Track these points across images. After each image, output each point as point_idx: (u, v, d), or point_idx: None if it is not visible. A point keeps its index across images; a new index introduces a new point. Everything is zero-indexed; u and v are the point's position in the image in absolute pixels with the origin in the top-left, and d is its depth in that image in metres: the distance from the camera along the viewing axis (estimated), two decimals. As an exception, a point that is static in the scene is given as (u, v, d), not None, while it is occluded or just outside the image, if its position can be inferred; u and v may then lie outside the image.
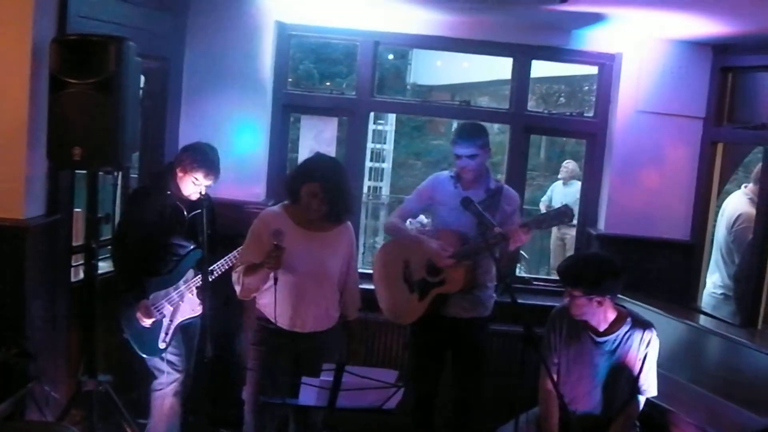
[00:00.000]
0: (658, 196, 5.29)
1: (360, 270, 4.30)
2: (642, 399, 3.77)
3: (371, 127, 10.05)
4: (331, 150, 5.43)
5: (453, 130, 4.43)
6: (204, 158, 4.29)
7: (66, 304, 4.15)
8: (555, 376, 3.74)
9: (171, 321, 4.34)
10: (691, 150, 5.28)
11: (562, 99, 14.12)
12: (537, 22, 5.09)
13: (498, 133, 9.37)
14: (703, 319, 4.81)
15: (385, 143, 12.68)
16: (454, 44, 5.47)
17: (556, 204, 9.66)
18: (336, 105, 5.51)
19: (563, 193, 9.60)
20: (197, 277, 4.30)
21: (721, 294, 5.30)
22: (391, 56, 13.70)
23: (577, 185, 7.27)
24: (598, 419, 3.78)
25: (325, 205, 3.78)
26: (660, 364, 3.82)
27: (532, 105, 5.63)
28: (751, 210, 5.08)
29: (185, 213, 4.36)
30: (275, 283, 3.71)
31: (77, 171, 4.09)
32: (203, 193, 4.28)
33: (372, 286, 4.53)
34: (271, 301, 3.78)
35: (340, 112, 5.53)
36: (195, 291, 4.34)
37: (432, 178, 4.57)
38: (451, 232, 4.31)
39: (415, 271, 4.40)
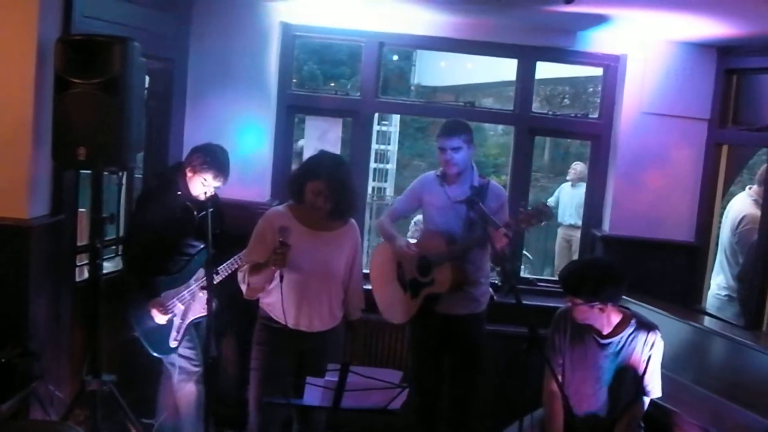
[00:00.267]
0: (663, 198, 5.29)
1: (364, 270, 4.32)
2: (647, 400, 3.77)
3: (375, 128, 10.04)
4: (335, 151, 5.42)
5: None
6: (214, 159, 4.30)
7: (70, 303, 4.15)
8: (559, 378, 3.73)
9: (183, 320, 4.35)
10: (695, 152, 5.27)
11: (566, 100, 14.08)
12: (541, 24, 5.08)
13: (502, 134, 9.37)
14: (707, 321, 4.81)
15: (389, 144, 12.64)
16: (458, 45, 5.47)
17: (564, 206, 9.67)
18: (340, 106, 5.51)
19: (571, 194, 9.57)
20: None
21: (726, 295, 5.29)
22: (395, 57, 13.68)
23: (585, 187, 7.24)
24: (602, 420, 3.77)
25: (329, 202, 3.78)
26: (664, 366, 3.81)
27: (536, 106, 5.62)
28: (756, 211, 5.07)
29: (195, 213, 4.37)
30: (281, 281, 3.71)
31: (82, 171, 4.10)
32: (211, 193, 4.29)
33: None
34: (276, 300, 3.78)
35: (344, 112, 5.53)
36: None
37: (420, 178, 4.67)
38: (438, 234, 4.38)
39: (408, 271, 4.47)
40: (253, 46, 5.13)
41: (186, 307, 4.37)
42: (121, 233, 4.95)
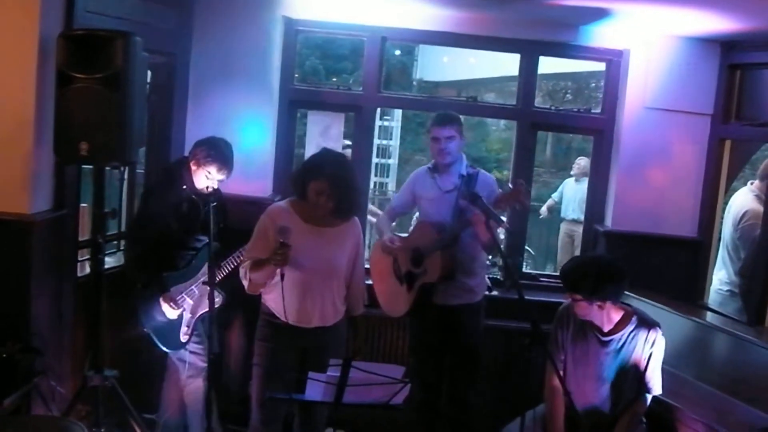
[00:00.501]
0: (666, 193, 5.28)
1: (366, 266, 4.32)
2: (649, 397, 3.77)
3: (377, 123, 10.03)
4: (338, 146, 5.43)
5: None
6: (218, 152, 4.31)
7: (72, 299, 4.16)
8: (561, 373, 3.73)
9: (192, 314, 4.35)
10: (698, 147, 5.26)
11: (569, 95, 14.08)
12: (544, 18, 5.07)
13: (504, 129, 9.35)
14: (709, 316, 4.80)
15: (391, 139, 12.65)
16: (461, 40, 5.44)
17: (567, 201, 9.66)
18: (343, 101, 5.50)
19: (575, 189, 9.56)
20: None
21: (728, 291, 5.28)
22: (397, 52, 13.68)
23: (589, 182, 7.23)
24: (604, 416, 3.78)
25: (332, 202, 3.77)
26: (666, 361, 3.81)
27: (539, 101, 5.60)
28: (758, 207, 5.06)
29: (201, 207, 4.37)
30: (282, 279, 3.71)
31: (84, 166, 4.10)
32: (215, 187, 4.29)
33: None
34: (278, 296, 3.78)
35: (346, 107, 5.52)
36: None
37: (413, 173, 4.80)
38: (429, 224, 4.49)
39: (402, 264, 4.52)
40: (255, 40, 5.12)
41: (194, 301, 4.37)
42: (123, 228, 4.96)
